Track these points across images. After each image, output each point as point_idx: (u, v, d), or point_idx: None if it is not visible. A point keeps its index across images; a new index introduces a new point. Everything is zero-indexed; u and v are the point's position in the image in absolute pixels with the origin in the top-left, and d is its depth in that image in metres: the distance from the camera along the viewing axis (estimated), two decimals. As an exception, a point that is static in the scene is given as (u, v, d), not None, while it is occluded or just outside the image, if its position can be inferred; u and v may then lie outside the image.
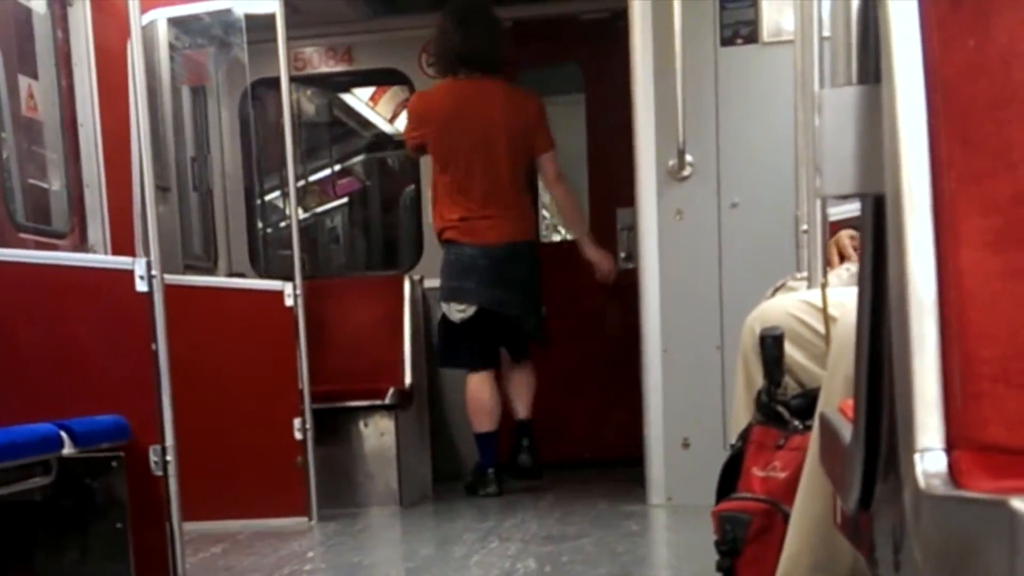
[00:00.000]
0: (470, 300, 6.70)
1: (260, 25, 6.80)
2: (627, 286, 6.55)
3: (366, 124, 9.64)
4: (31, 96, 5.81)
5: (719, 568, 3.01)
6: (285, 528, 5.87)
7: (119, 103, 5.68)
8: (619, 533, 5.37)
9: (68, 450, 4.03)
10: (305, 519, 5.97)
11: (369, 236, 10.09)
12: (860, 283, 1.42)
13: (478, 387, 6.84)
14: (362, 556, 5.33)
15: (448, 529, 5.90)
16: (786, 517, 2.66)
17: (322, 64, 8.20)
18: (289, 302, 5.88)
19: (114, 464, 4.25)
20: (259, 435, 5.93)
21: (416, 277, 7.51)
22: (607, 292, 7.76)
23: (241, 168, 8.16)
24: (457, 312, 6.74)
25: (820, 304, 2.99)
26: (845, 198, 1.33)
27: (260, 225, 8.42)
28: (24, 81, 5.78)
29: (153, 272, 4.28)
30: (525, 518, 6.01)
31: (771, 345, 2.99)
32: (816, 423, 2.28)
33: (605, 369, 7.78)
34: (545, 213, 9.35)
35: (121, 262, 4.41)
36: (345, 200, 10.13)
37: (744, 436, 3.12)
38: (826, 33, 3.59)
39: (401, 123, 9.02)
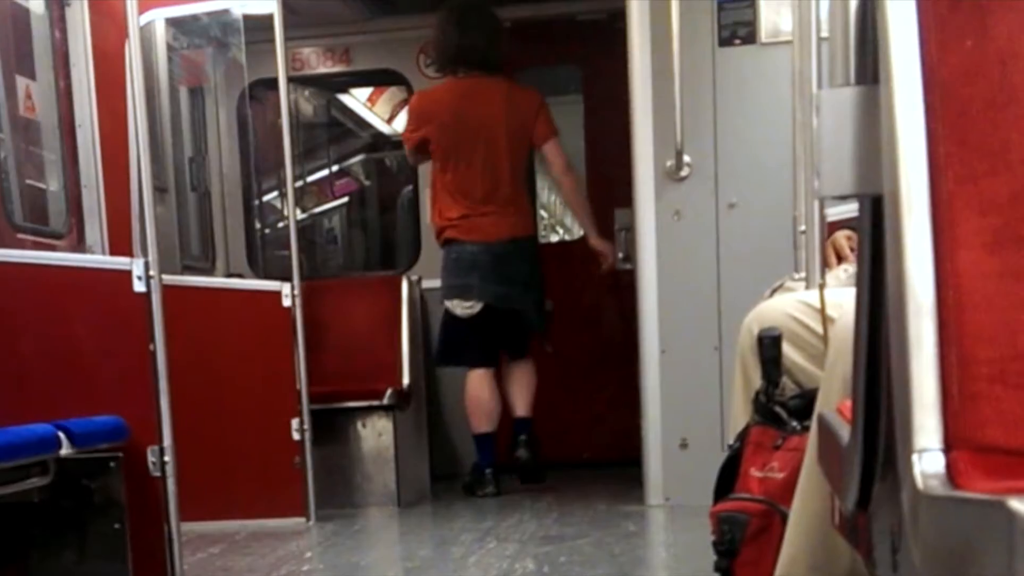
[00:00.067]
0: (475, 296, 6.70)
1: (258, 26, 6.80)
2: (625, 287, 6.55)
3: (364, 125, 9.65)
4: (29, 97, 5.80)
5: (717, 568, 3.01)
6: (283, 528, 5.87)
7: (117, 104, 5.68)
8: (617, 534, 5.37)
9: (66, 451, 4.03)
10: (303, 519, 5.96)
11: (367, 236, 10.09)
12: (858, 284, 1.42)
13: (478, 386, 6.83)
14: (360, 556, 5.33)
15: (446, 529, 5.89)
16: (784, 518, 2.66)
17: (320, 65, 8.20)
18: (287, 302, 5.88)
19: (112, 464, 4.25)
20: (257, 436, 5.93)
21: (414, 277, 7.51)
22: (605, 293, 7.77)
23: (239, 169, 8.16)
24: (463, 309, 6.73)
25: (818, 305, 2.99)
26: (843, 199, 1.33)
27: (258, 226, 8.42)
28: (22, 81, 5.78)
29: (151, 272, 4.28)
30: (523, 518, 6.01)
31: (769, 346, 2.99)
32: (814, 424, 2.28)
33: (603, 370, 7.78)
34: (543, 213, 9.35)
35: (119, 262, 4.40)
36: (343, 200, 10.13)
37: (742, 437, 3.12)
38: (824, 34, 3.59)
39: (399, 123, 9.03)
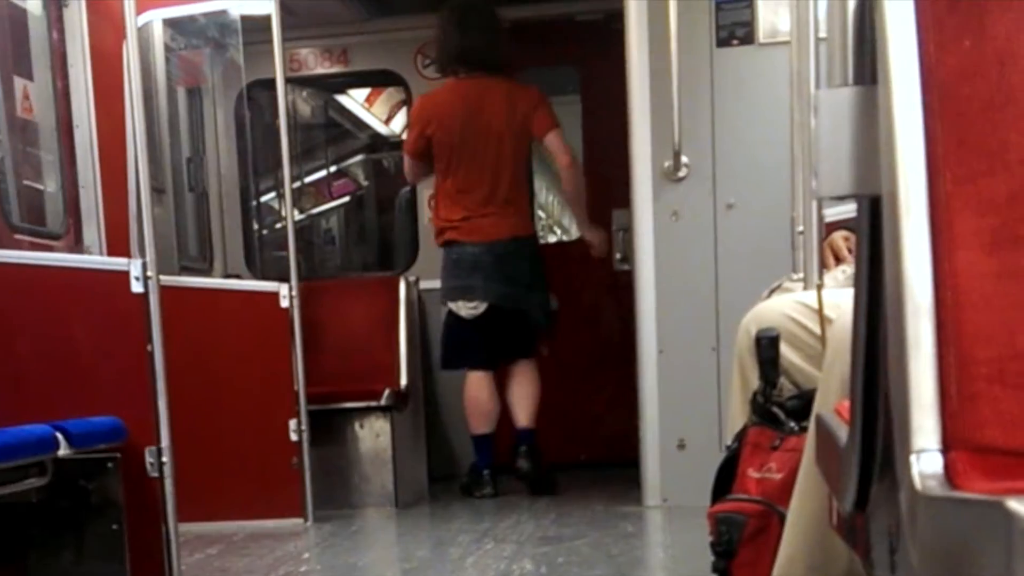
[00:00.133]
0: (479, 297, 6.69)
1: (256, 26, 6.81)
2: (623, 287, 6.55)
3: (362, 125, 9.65)
4: (26, 97, 5.80)
5: (715, 569, 3.00)
6: (281, 529, 5.86)
7: (115, 104, 5.70)
8: (615, 534, 5.37)
9: (64, 451, 4.03)
10: (301, 520, 5.96)
11: (365, 237, 10.09)
12: (856, 284, 1.42)
13: (477, 387, 6.83)
14: (357, 557, 5.33)
15: (444, 530, 5.89)
16: (782, 518, 2.66)
17: (318, 65, 8.20)
18: (285, 303, 5.87)
19: (110, 465, 4.25)
20: (255, 436, 5.93)
21: (412, 278, 7.50)
22: (603, 293, 7.77)
23: (237, 169, 8.16)
24: (468, 310, 6.72)
25: (816, 305, 2.99)
26: (841, 199, 1.33)
27: (256, 226, 8.42)
28: (19, 82, 5.78)
29: (149, 273, 4.28)
30: (521, 519, 6.00)
31: (767, 346, 2.99)
32: (812, 424, 2.28)
33: (601, 371, 7.78)
34: (541, 214, 9.35)
35: (117, 263, 4.40)
36: (341, 201, 10.14)
37: (740, 437, 3.12)
38: (822, 34, 3.58)
39: (397, 124, 9.05)
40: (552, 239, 10.36)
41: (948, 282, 1.07)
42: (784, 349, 3.03)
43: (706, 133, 5.79)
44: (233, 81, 7.96)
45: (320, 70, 8.23)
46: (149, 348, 4.28)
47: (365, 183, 10.15)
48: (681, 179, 5.82)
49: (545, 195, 8.23)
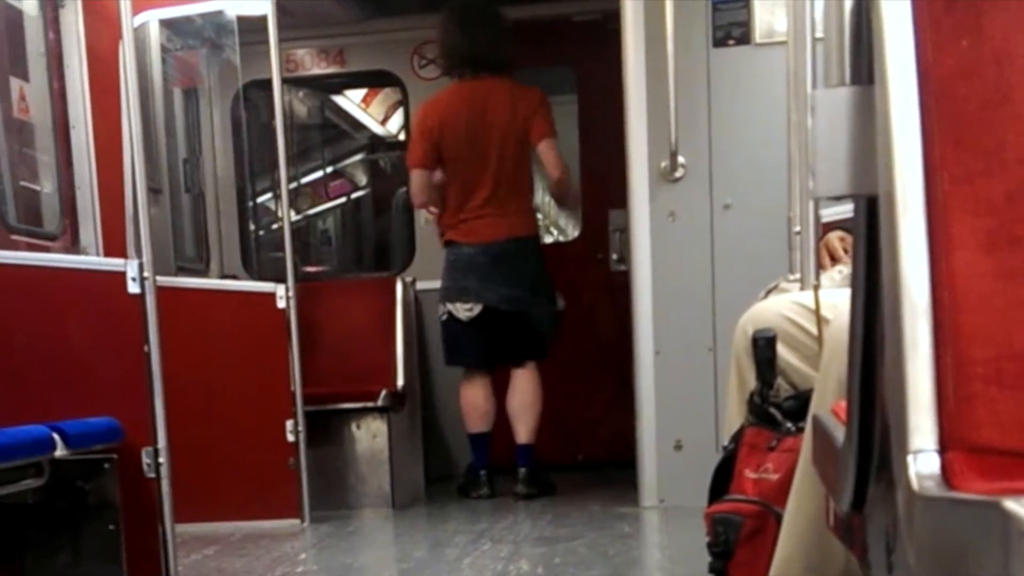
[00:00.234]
0: (473, 299, 6.69)
1: (252, 27, 6.81)
2: (620, 288, 6.55)
3: (358, 126, 9.64)
4: (22, 98, 5.80)
5: (711, 570, 3.00)
6: (277, 530, 5.86)
7: (111, 105, 5.69)
8: (612, 535, 5.37)
9: (60, 452, 4.03)
10: (297, 521, 5.96)
11: (361, 238, 10.09)
12: (853, 284, 1.42)
13: (473, 387, 6.83)
14: (354, 558, 5.33)
15: (440, 531, 5.89)
16: (779, 519, 2.66)
17: (314, 66, 8.20)
18: (281, 304, 5.87)
19: (107, 466, 4.24)
20: (251, 437, 5.92)
21: (408, 279, 7.50)
22: (600, 294, 7.77)
23: (233, 170, 8.16)
24: (464, 311, 6.72)
25: (813, 306, 2.99)
26: (838, 199, 1.33)
27: (252, 227, 8.42)
28: (15, 83, 5.77)
29: (145, 274, 4.28)
30: (518, 520, 6.01)
31: (764, 347, 2.99)
32: (809, 425, 2.28)
33: (598, 371, 7.79)
34: (538, 215, 9.33)
35: (113, 264, 4.40)
36: (337, 202, 10.13)
37: (737, 438, 3.12)
38: (819, 34, 3.59)
39: (393, 125, 9.04)
40: (548, 240, 10.36)
41: (945, 282, 1.07)
42: (781, 350, 3.03)
43: (703, 133, 5.79)
44: (229, 82, 7.96)
45: (316, 70, 8.23)
46: (146, 349, 4.28)
47: (362, 184, 10.15)
48: (678, 179, 5.82)
49: (541, 196, 8.21)
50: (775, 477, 2.90)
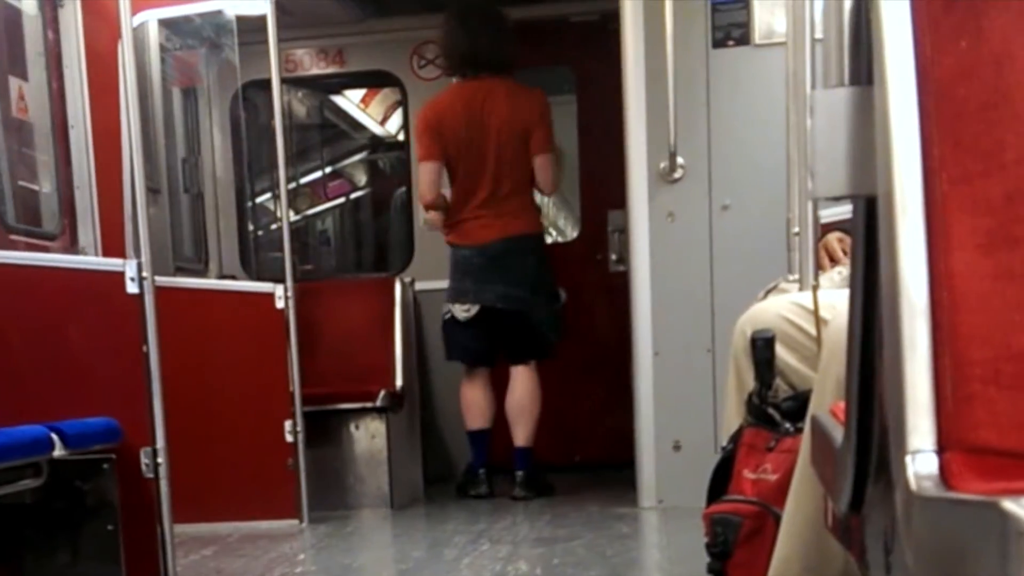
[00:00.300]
0: (471, 300, 6.71)
1: (251, 27, 6.80)
2: (619, 288, 6.55)
3: (357, 126, 9.64)
4: (21, 98, 5.80)
5: (710, 570, 3.00)
6: (276, 530, 5.86)
7: (110, 105, 5.69)
8: (610, 535, 5.37)
9: (59, 452, 4.03)
10: (296, 521, 5.95)
11: (360, 238, 10.09)
12: (851, 285, 1.42)
13: (472, 385, 6.85)
14: (353, 558, 5.33)
15: (439, 531, 5.89)
16: (777, 519, 2.66)
17: (313, 66, 8.20)
18: (280, 304, 5.87)
19: (105, 466, 4.24)
20: (250, 437, 5.92)
21: (407, 279, 7.50)
22: (598, 294, 7.76)
23: (232, 170, 8.15)
24: (463, 312, 6.75)
25: (811, 306, 2.99)
26: (837, 200, 1.33)
27: (251, 227, 8.42)
28: (14, 82, 5.77)
29: (144, 274, 4.28)
30: (516, 521, 6.01)
31: (762, 347, 2.99)
32: (807, 425, 2.28)
33: (596, 372, 7.78)
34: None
35: (112, 264, 4.40)
36: (336, 202, 10.13)
37: (735, 438, 3.12)
38: (818, 35, 3.59)
39: (392, 125, 9.03)
40: (548, 240, 10.35)
41: (944, 283, 1.07)
42: (780, 350, 3.03)
43: (702, 134, 5.79)
44: (229, 81, 7.95)
45: (316, 71, 8.22)
46: (144, 349, 4.28)
47: (361, 184, 10.15)
48: (677, 180, 5.82)
49: (538, 196, 8.23)
50: (774, 478, 2.90)
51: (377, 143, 9.70)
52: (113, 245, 5.79)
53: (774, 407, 3.01)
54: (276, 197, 7.43)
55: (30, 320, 4.51)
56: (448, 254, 6.92)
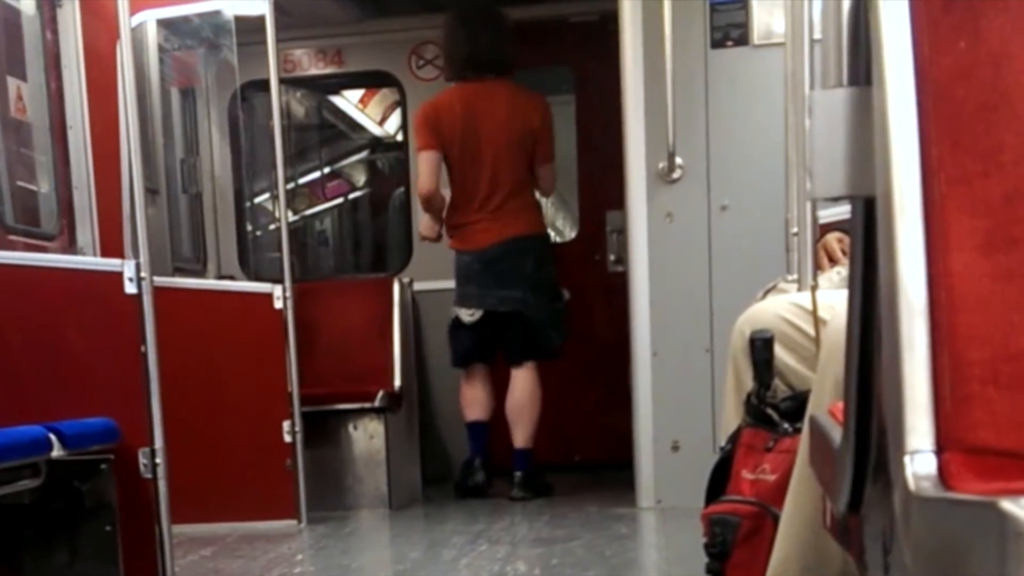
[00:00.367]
0: (475, 304, 6.76)
1: (250, 27, 6.79)
2: (617, 289, 6.55)
3: (356, 127, 9.64)
4: (20, 98, 5.79)
5: (708, 571, 3.00)
6: (274, 531, 5.86)
7: (108, 105, 5.68)
8: (609, 536, 5.37)
9: (57, 452, 4.03)
10: (294, 522, 5.95)
11: (359, 238, 10.09)
12: (850, 285, 1.42)
13: (471, 381, 6.89)
14: (351, 559, 5.33)
15: (437, 532, 5.89)
16: (776, 520, 2.66)
17: (312, 66, 8.20)
18: (279, 304, 5.87)
19: (103, 467, 4.24)
20: (248, 438, 5.92)
21: (405, 280, 7.50)
22: (597, 295, 7.76)
23: (230, 170, 8.15)
24: (468, 316, 6.79)
25: (810, 307, 2.99)
26: (835, 200, 1.33)
27: (249, 227, 8.41)
28: (13, 83, 5.77)
29: (142, 274, 4.27)
30: (514, 521, 6.01)
31: (761, 348, 2.99)
32: (806, 426, 2.28)
33: (595, 372, 7.78)
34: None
35: (110, 264, 4.40)
36: (335, 202, 10.13)
37: (734, 439, 3.12)
38: (817, 35, 3.59)
39: (391, 125, 9.03)
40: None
41: (942, 283, 1.07)
42: (778, 350, 3.03)
43: (700, 134, 5.79)
44: (227, 82, 7.95)
45: (314, 71, 8.22)
46: (143, 349, 4.28)
47: (359, 184, 10.14)
48: (675, 180, 5.82)
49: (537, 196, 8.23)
50: (772, 478, 2.90)
51: (376, 143, 9.70)
52: (111, 245, 5.79)
53: (773, 407, 3.01)
54: (274, 197, 7.42)
55: (28, 320, 4.51)
56: (447, 254, 6.94)
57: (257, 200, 8.61)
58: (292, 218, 8.42)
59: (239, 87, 7.89)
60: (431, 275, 7.46)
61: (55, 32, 5.91)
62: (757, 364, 3.01)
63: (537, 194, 6.88)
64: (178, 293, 5.71)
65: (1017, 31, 1.09)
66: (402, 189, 8.29)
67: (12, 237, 5.53)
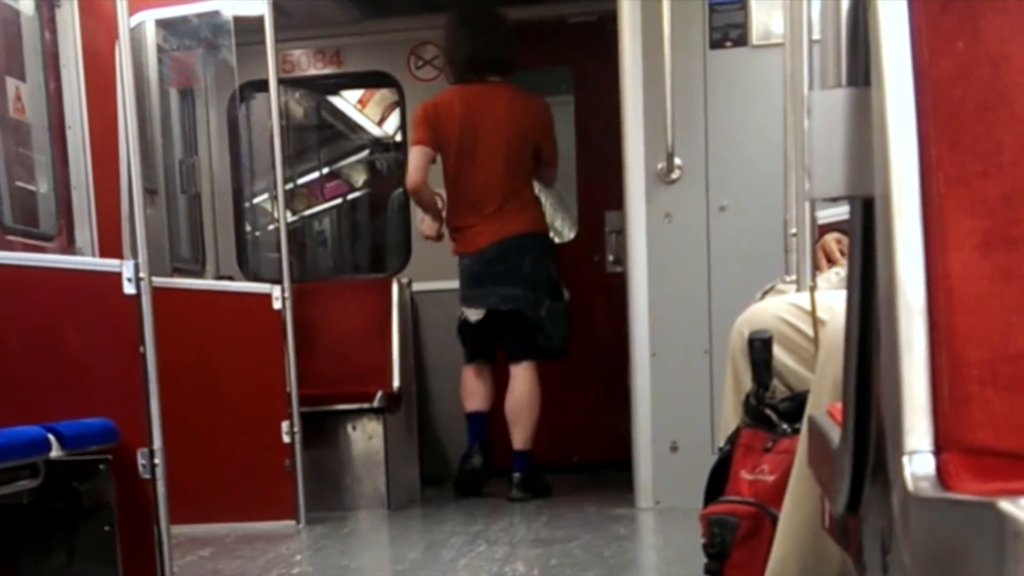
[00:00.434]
0: (479, 305, 6.81)
1: (249, 27, 6.79)
2: (616, 289, 6.55)
3: (355, 127, 9.64)
4: (18, 98, 5.79)
5: (707, 571, 3.00)
6: (273, 531, 5.86)
7: (107, 105, 5.68)
8: (607, 536, 5.37)
9: (56, 453, 4.02)
10: (293, 522, 5.95)
11: (357, 239, 10.08)
12: (849, 286, 1.42)
13: (471, 375, 6.93)
14: (349, 559, 5.32)
15: (436, 532, 5.89)
16: (774, 520, 2.66)
17: (311, 67, 8.19)
18: (277, 305, 5.87)
19: (102, 467, 4.24)
20: (247, 438, 5.92)
21: (404, 280, 7.50)
22: (596, 295, 7.76)
23: (229, 171, 8.15)
24: (474, 316, 6.83)
25: (809, 307, 2.99)
26: (834, 201, 1.33)
27: (248, 228, 8.41)
28: (12, 83, 5.77)
29: (141, 275, 4.27)
30: (513, 521, 6.01)
31: (759, 348, 2.99)
32: (804, 426, 2.28)
33: (594, 373, 7.78)
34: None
35: (109, 264, 4.40)
36: (334, 203, 10.13)
37: (732, 439, 3.12)
38: (815, 36, 3.59)
39: (389, 126, 9.03)
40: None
41: (941, 284, 1.07)
42: (777, 351, 3.03)
43: (699, 135, 5.79)
44: (226, 82, 7.95)
45: (313, 71, 8.22)
46: (141, 349, 4.28)
47: (358, 184, 10.14)
48: (674, 181, 5.82)
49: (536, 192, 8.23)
50: (771, 478, 2.90)
51: (374, 144, 9.70)
52: (110, 246, 5.79)
53: (771, 408, 3.01)
54: (273, 198, 7.41)
55: (27, 321, 4.51)
56: (446, 255, 6.95)
57: (256, 200, 8.60)
58: (291, 218, 8.42)
59: (238, 87, 7.89)
60: (430, 275, 7.46)
61: (54, 32, 5.90)
62: (756, 365, 3.01)
63: (536, 189, 6.89)
64: (177, 293, 5.71)
65: (1016, 32, 1.09)
66: (401, 189, 8.27)
67: (11, 237, 5.53)
